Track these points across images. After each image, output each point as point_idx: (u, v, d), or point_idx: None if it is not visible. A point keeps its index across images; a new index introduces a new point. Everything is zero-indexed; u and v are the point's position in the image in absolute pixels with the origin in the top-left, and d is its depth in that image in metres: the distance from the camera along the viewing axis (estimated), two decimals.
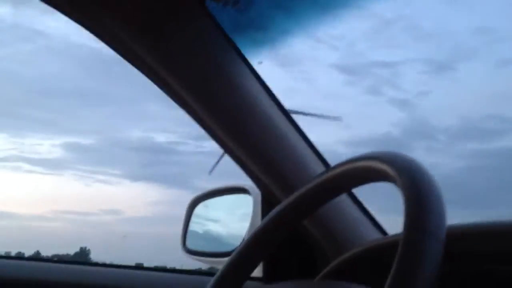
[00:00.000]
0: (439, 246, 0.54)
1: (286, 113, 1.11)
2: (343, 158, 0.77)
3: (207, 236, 1.46)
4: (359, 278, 0.78)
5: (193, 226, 1.39)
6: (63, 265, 1.67)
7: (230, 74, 1.04)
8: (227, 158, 1.18)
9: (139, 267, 1.74)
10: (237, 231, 1.30)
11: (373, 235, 1.15)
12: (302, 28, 1.09)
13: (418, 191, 0.58)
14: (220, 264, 0.99)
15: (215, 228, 1.48)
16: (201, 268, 1.69)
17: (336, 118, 1.18)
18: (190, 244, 1.36)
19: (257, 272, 1.17)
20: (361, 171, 0.72)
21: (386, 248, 0.89)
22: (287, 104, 1.13)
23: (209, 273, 1.62)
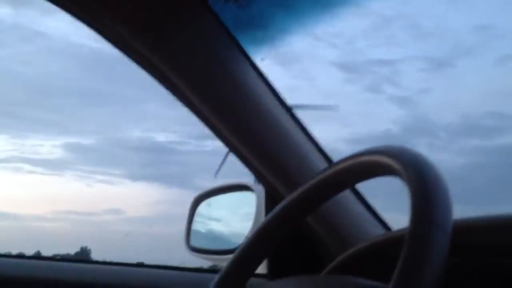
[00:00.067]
0: (446, 239, 0.54)
1: (289, 110, 1.11)
2: (344, 155, 0.77)
3: (211, 234, 1.46)
4: (364, 273, 0.78)
5: (197, 224, 1.39)
6: (64, 263, 1.67)
7: (233, 72, 1.04)
8: (229, 157, 1.18)
9: (141, 264, 1.73)
10: (240, 228, 1.30)
11: (377, 231, 1.15)
12: (302, 26, 1.09)
13: (424, 184, 0.58)
14: (224, 261, 0.99)
15: (218, 225, 1.48)
16: (202, 267, 1.69)
17: (333, 108, 1.18)
18: (193, 242, 1.36)
19: (262, 268, 1.17)
20: (365, 166, 0.72)
21: (392, 243, 0.89)
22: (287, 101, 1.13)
23: (212, 270, 1.62)
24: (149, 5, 0.94)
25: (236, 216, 1.44)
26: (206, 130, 1.12)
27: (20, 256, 1.93)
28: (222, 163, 1.20)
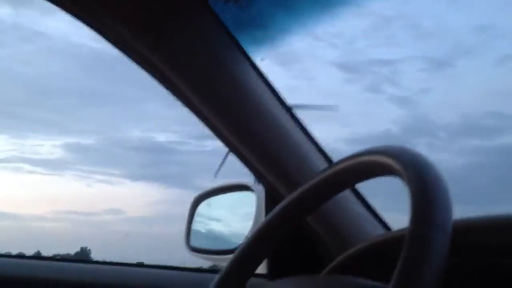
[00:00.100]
0: (446, 239, 0.54)
1: (289, 110, 1.11)
2: (344, 155, 0.77)
3: (211, 234, 1.46)
4: (364, 273, 0.78)
5: (197, 224, 1.38)
6: (63, 263, 1.67)
7: (233, 72, 1.04)
8: (228, 157, 1.18)
9: (140, 264, 1.73)
10: (240, 228, 1.30)
11: (377, 231, 1.15)
12: (302, 26, 1.09)
13: (424, 184, 0.58)
14: (224, 261, 0.98)
15: (218, 225, 1.48)
16: (201, 267, 1.69)
17: (332, 108, 1.18)
18: (193, 242, 1.36)
19: (261, 268, 1.17)
20: (365, 166, 0.72)
21: (392, 243, 0.89)
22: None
23: (211, 270, 1.62)
24: (149, 5, 0.94)
25: (236, 216, 1.43)
26: (206, 130, 1.12)
27: (20, 256, 1.93)
28: (222, 163, 1.20)
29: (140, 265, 1.72)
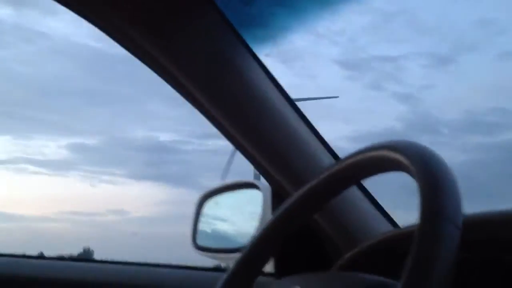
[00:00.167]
0: (457, 233, 0.54)
1: (295, 106, 1.11)
2: (347, 153, 0.76)
3: (217, 233, 1.45)
4: (372, 270, 0.77)
5: (203, 222, 1.38)
6: (66, 262, 1.67)
7: (240, 70, 1.04)
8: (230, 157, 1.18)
9: (145, 263, 1.72)
10: (247, 226, 1.29)
11: (385, 228, 1.14)
12: (303, 23, 1.09)
13: (434, 178, 0.58)
14: (231, 260, 0.98)
15: (224, 224, 1.47)
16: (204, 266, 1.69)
17: (333, 97, 1.18)
18: (200, 241, 1.36)
19: (268, 267, 1.16)
20: (373, 161, 0.71)
21: (400, 239, 0.89)
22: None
23: (216, 269, 1.61)
24: (155, 5, 0.93)
25: (242, 214, 1.43)
26: (209, 129, 1.12)
27: (23, 255, 1.93)
28: (229, 162, 1.20)
29: (144, 264, 1.71)
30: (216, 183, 1.40)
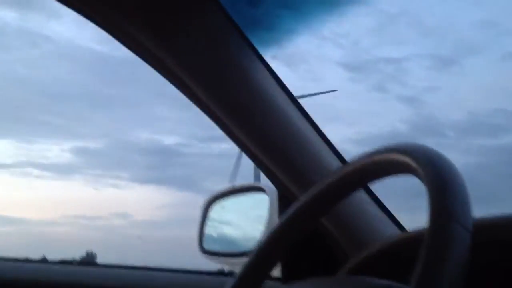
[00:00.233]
0: (468, 235, 0.53)
1: (301, 109, 1.11)
2: (351, 155, 0.76)
3: (223, 236, 1.45)
4: (380, 274, 0.77)
5: (209, 226, 1.38)
6: (69, 267, 1.67)
7: (246, 72, 1.04)
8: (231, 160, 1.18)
9: (148, 267, 1.72)
10: (253, 230, 1.29)
11: (392, 231, 1.13)
12: (309, 26, 1.09)
13: (443, 181, 0.57)
14: (238, 264, 0.97)
15: (231, 228, 1.47)
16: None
17: (332, 91, 1.18)
18: (206, 245, 1.35)
19: (275, 272, 1.16)
20: (380, 164, 0.71)
21: (408, 243, 0.88)
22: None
23: (220, 273, 1.61)
24: (161, 6, 0.93)
25: (248, 218, 1.43)
26: (214, 132, 1.12)
27: (26, 259, 1.94)
28: (237, 165, 1.20)
29: (147, 268, 1.71)
30: (221, 186, 1.40)
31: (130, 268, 1.66)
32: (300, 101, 1.12)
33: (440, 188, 0.57)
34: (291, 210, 0.82)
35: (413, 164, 0.63)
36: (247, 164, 1.19)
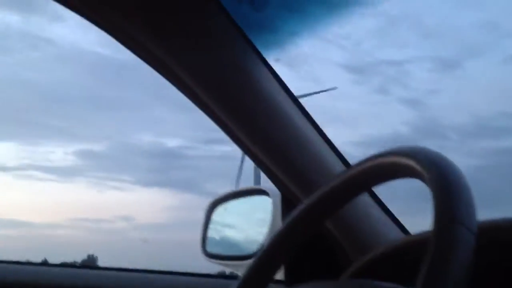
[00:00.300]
0: (472, 238, 0.53)
1: (304, 112, 1.11)
2: (354, 158, 0.76)
3: (226, 240, 1.45)
4: (383, 277, 0.77)
5: (212, 229, 1.38)
6: (70, 269, 1.67)
7: (249, 74, 1.04)
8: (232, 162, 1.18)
9: (150, 270, 1.72)
10: (256, 233, 1.29)
11: (395, 234, 1.13)
12: (312, 28, 1.09)
13: (447, 184, 0.57)
14: (241, 267, 0.97)
15: (234, 231, 1.47)
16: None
17: (332, 89, 1.18)
18: (209, 248, 1.35)
19: (279, 275, 1.15)
20: (385, 168, 0.71)
21: (412, 247, 0.88)
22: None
23: (223, 276, 1.61)
24: (164, 8, 0.93)
25: (252, 221, 1.42)
26: (216, 135, 1.12)
27: (27, 262, 1.94)
28: (241, 168, 1.20)
29: (149, 270, 1.71)
30: (224, 189, 1.40)
31: (131, 271, 1.65)
32: (301, 101, 1.12)
33: (444, 190, 0.57)
34: (295, 213, 0.82)
35: (417, 167, 0.63)
36: (250, 167, 1.19)
